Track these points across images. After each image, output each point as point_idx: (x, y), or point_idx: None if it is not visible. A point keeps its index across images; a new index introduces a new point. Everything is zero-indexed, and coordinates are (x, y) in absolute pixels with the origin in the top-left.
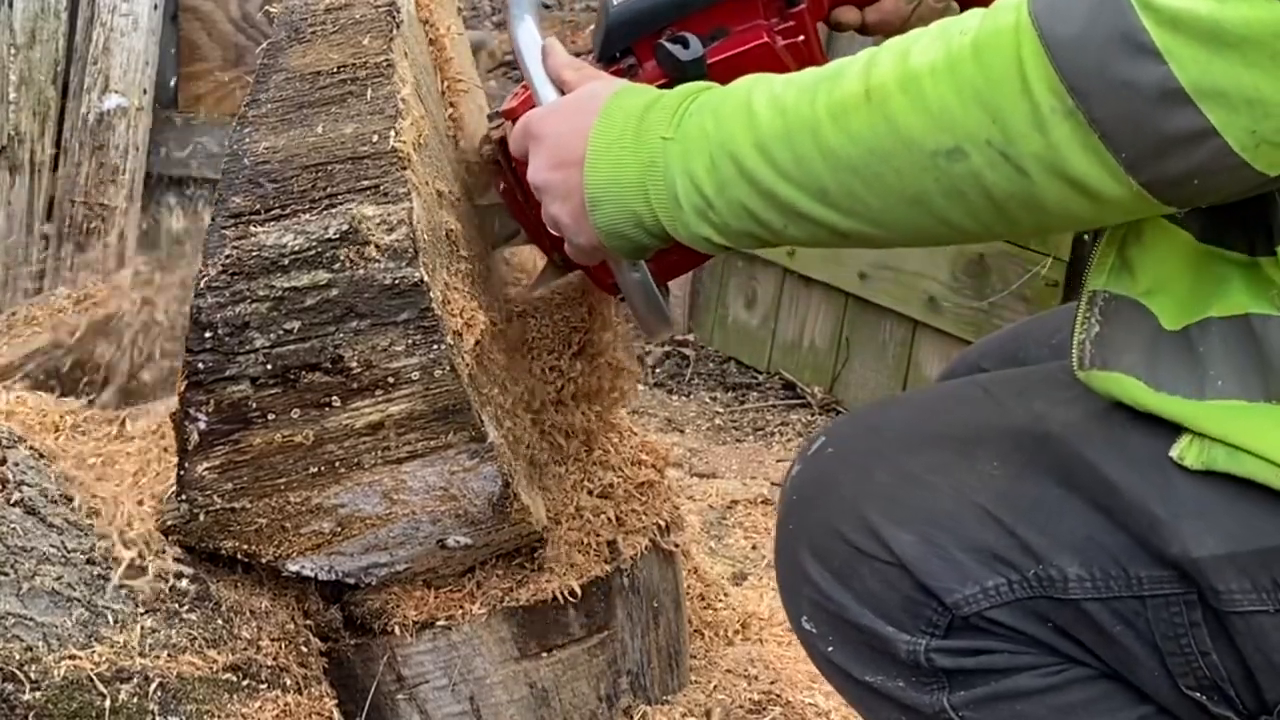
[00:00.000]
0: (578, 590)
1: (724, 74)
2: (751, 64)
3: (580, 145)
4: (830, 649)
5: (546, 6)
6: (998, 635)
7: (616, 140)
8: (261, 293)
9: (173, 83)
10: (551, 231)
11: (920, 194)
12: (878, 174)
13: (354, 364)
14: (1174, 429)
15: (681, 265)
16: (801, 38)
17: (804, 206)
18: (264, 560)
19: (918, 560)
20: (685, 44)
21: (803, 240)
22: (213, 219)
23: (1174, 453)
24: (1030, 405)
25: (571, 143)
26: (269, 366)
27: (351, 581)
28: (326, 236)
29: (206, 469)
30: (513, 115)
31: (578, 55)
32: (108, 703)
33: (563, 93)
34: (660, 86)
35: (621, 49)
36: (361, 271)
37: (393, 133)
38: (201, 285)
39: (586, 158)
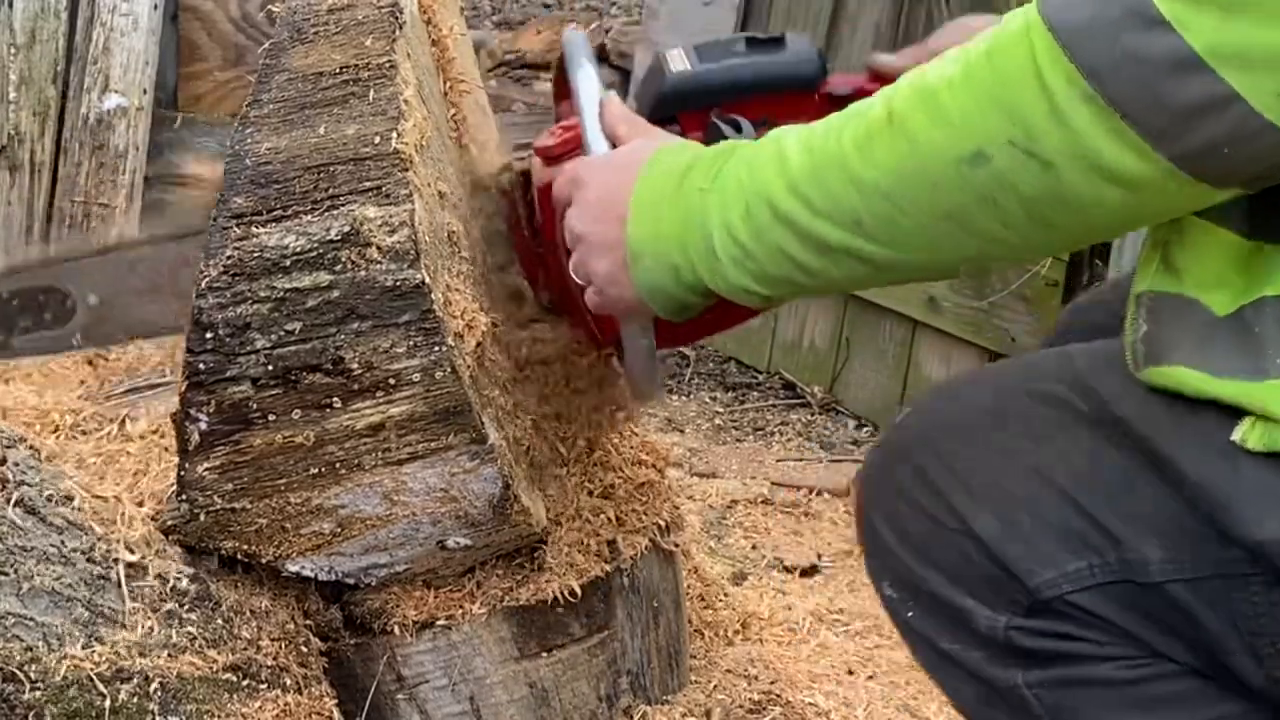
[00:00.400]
0: (578, 590)
1: None
2: None
3: (625, 200)
4: (911, 615)
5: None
6: (1079, 620)
7: (658, 196)
8: (263, 294)
9: (173, 83)
10: (576, 280)
11: (952, 209)
12: (909, 195)
13: (355, 365)
14: (1235, 413)
15: (694, 333)
16: None
17: (840, 241)
18: (264, 560)
19: (997, 540)
20: (738, 128)
21: (843, 280)
22: (214, 219)
23: (1236, 436)
24: (1102, 385)
25: (617, 197)
26: (270, 367)
27: (351, 582)
28: (328, 238)
29: (207, 469)
30: (548, 154)
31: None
32: (108, 703)
33: (614, 146)
34: None
35: (669, 116)
36: (363, 273)
37: (395, 134)
38: (203, 286)
39: (630, 213)
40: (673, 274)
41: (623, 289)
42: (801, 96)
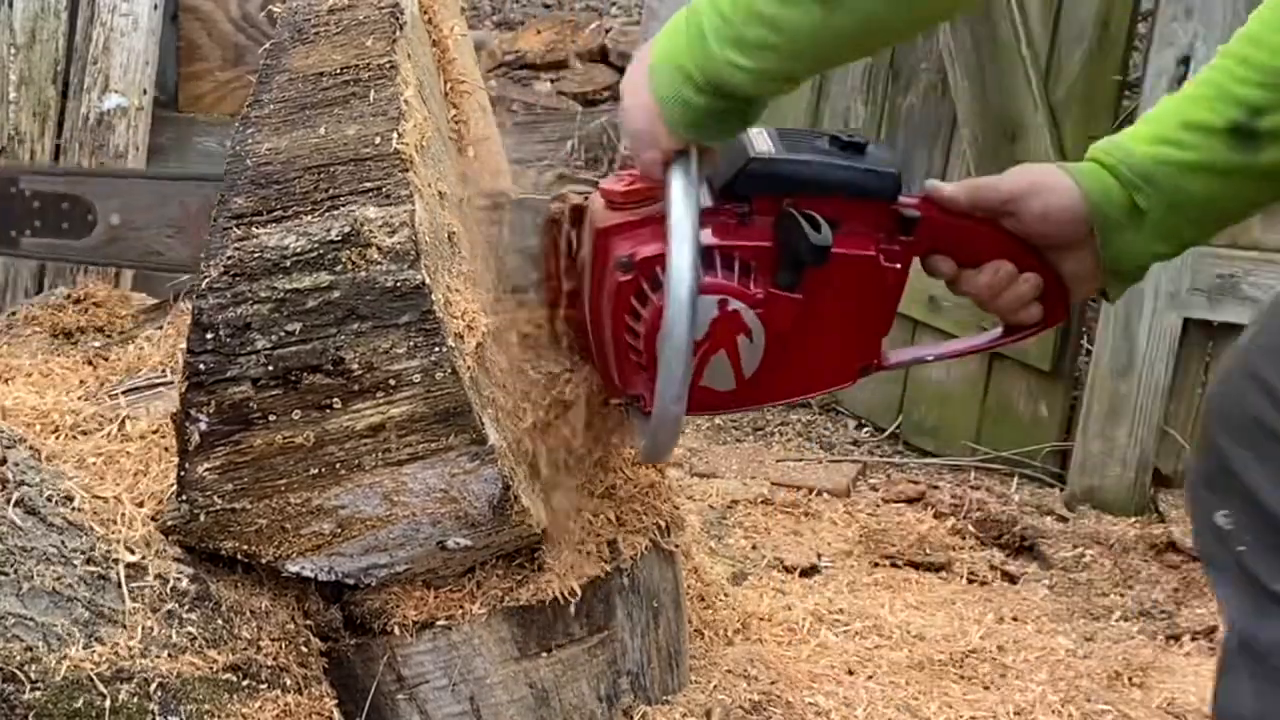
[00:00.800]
0: (578, 590)
1: (836, 269)
2: (856, 271)
3: (645, 80)
4: (1244, 549)
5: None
6: None
7: (667, 33)
8: (263, 294)
9: (173, 83)
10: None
11: None
12: None
13: (355, 366)
14: None
15: (697, 407)
16: (900, 266)
17: None
18: (264, 561)
19: None
20: (817, 226)
21: (805, 29)
22: (214, 220)
23: None
24: None
25: (640, 75)
26: (270, 368)
27: (351, 582)
28: (328, 238)
29: (207, 469)
30: (613, 199)
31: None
32: (108, 703)
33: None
34: (765, 248)
35: (745, 196)
36: (363, 273)
37: (395, 135)
38: (203, 286)
39: (650, 58)
40: (680, 74)
41: (654, 127)
42: (874, 205)
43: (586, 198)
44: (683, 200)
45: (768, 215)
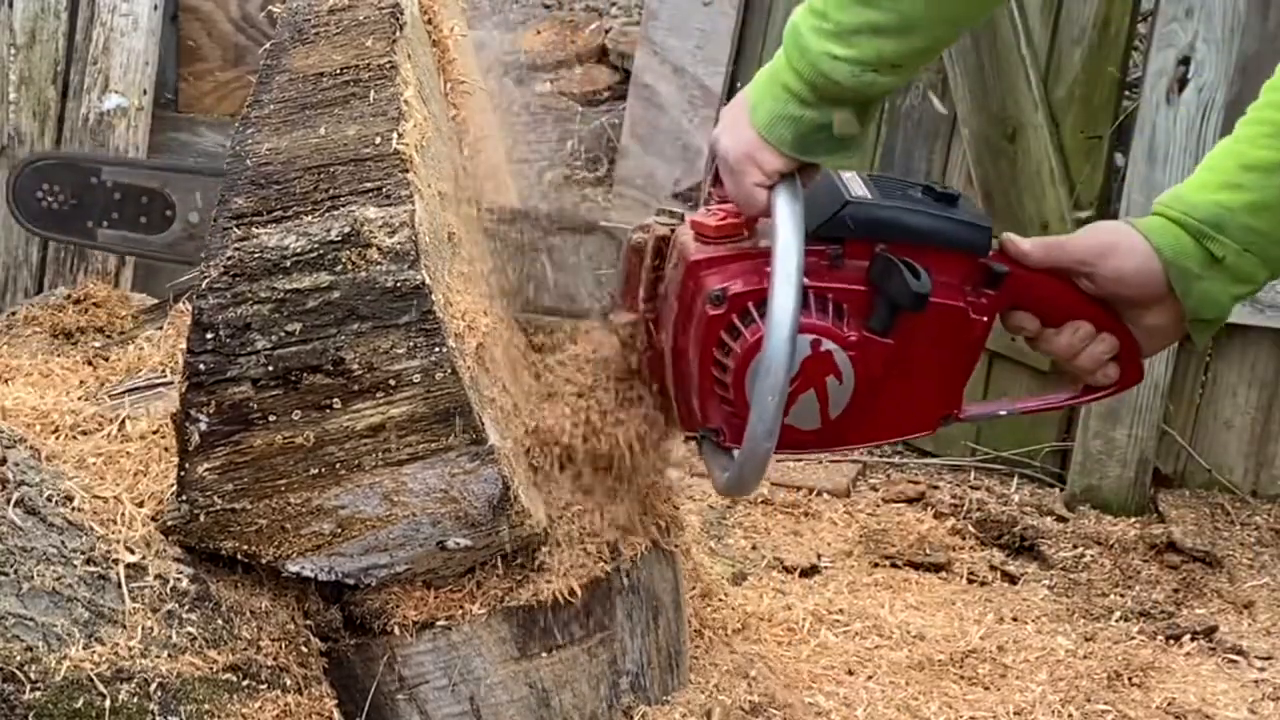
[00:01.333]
0: (578, 590)
1: (929, 318)
2: (947, 321)
3: (744, 114)
4: None
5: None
6: None
7: (768, 70)
8: (263, 294)
9: (173, 83)
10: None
11: None
12: None
13: (355, 366)
14: None
15: (783, 445)
16: (986, 319)
17: None
18: (264, 561)
19: None
20: (916, 273)
21: (908, 10)
22: (214, 220)
23: None
24: None
25: (741, 114)
26: (270, 368)
27: (351, 582)
28: (328, 238)
29: (207, 470)
30: (703, 232)
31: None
32: (108, 703)
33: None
34: (859, 291)
35: (838, 237)
36: (363, 274)
37: (395, 135)
38: (203, 286)
39: (750, 104)
40: (782, 90)
41: (757, 153)
42: (965, 258)
43: (673, 230)
44: (790, 231)
45: (860, 259)
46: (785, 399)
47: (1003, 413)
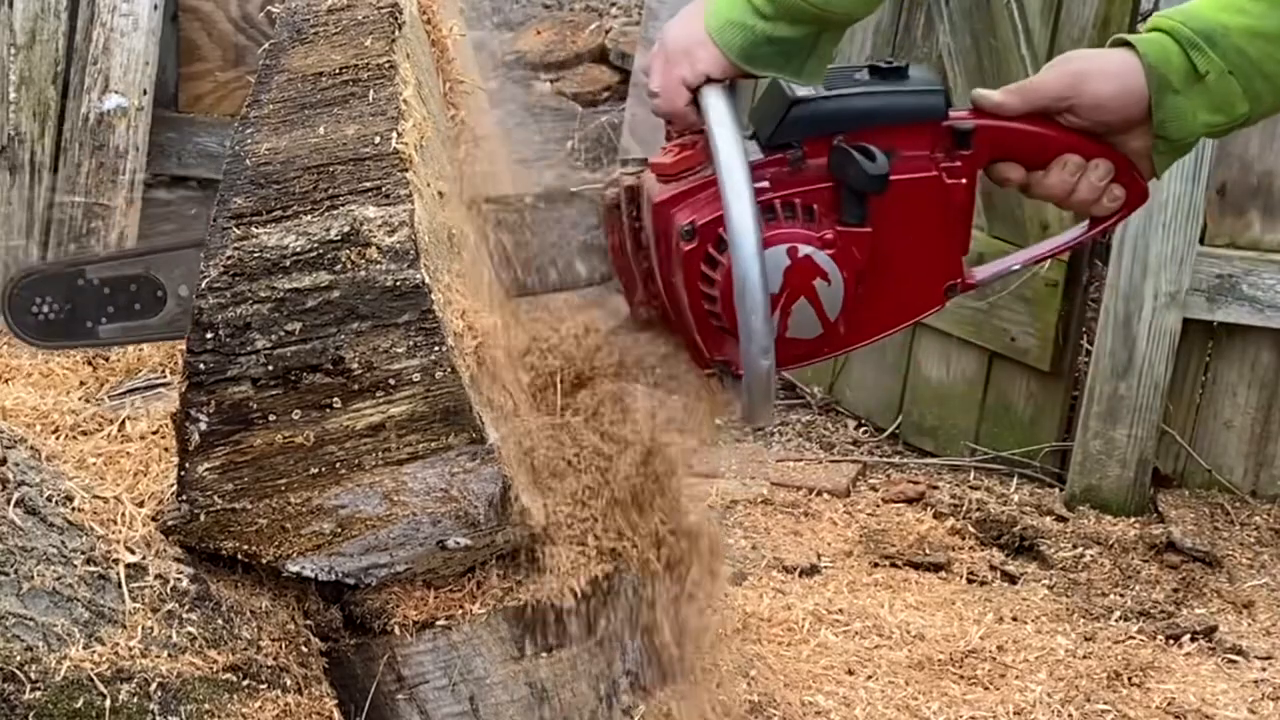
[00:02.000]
0: (578, 590)
1: (895, 196)
2: (921, 194)
3: (698, 11)
4: None
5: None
6: None
7: None
8: (263, 294)
9: (173, 83)
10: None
11: None
12: None
13: (355, 365)
14: None
15: (792, 358)
16: (964, 180)
17: None
18: (264, 561)
19: None
20: (872, 156)
21: None
22: (214, 220)
23: None
24: None
25: (695, 20)
26: (270, 367)
27: (351, 582)
28: (328, 238)
29: (207, 469)
30: (664, 171)
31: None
32: (108, 703)
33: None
34: (825, 189)
35: (793, 140)
36: (363, 273)
37: (395, 134)
38: (203, 286)
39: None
40: (740, 1)
41: (694, 50)
42: (926, 127)
43: (639, 176)
44: (728, 146)
45: (821, 157)
46: (770, 314)
47: (1016, 266)
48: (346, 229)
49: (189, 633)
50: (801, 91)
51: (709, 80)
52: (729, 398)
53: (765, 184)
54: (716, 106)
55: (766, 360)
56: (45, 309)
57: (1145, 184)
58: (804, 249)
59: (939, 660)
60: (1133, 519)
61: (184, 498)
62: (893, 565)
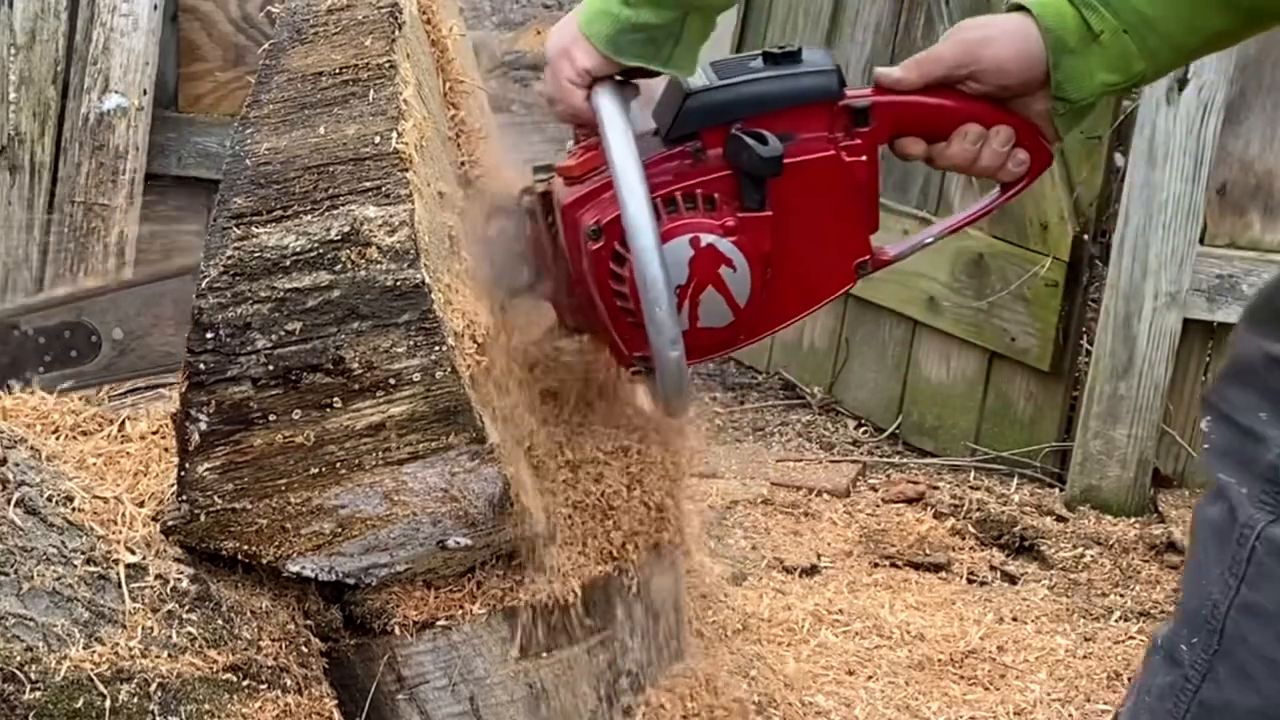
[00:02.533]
0: (578, 590)
1: (793, 179)
2: (820, 174)
3: (573, 15)
4: None
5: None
6: None
7: None
8: (263, 294)
9: (173, 83)
10: (562, 108)
11: None
12: None
13: (355, 365)
14: None
15: (707, 348)
16: (865, 158)
17: None
18: (264, 561)
19: None
20: (763, 140)
21: None
22: (214, 220)
23: None
24: None
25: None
26: (270, 367)
27: (352, 582)
28: (328, 238)
29: (207, 469)
30: (569, 174)
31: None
32: (108, 703)
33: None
34: (723, 177)
35: (691, 132)
36: (363, 273)
37: (395, 134)
38: (203, 286)
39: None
40: None
41: (573, 47)
42: (821, 108)
43: (549, 182)
44: (618, 143)
45: (718, 147)
46: (674, 306)
47: (929, 240)
48: (347, 229)
49: (189, 633)
50: (696, 84)
51: (595, 79)
52: (650, 392)
53: (668, 177)
54: (606, 107)
55: (675, 351)
56: None
57: (1049, 148)
58: (706, 238)
59: (939, 660)
60: (1133, 519)
61: (184, 498)
62: (893, 565)
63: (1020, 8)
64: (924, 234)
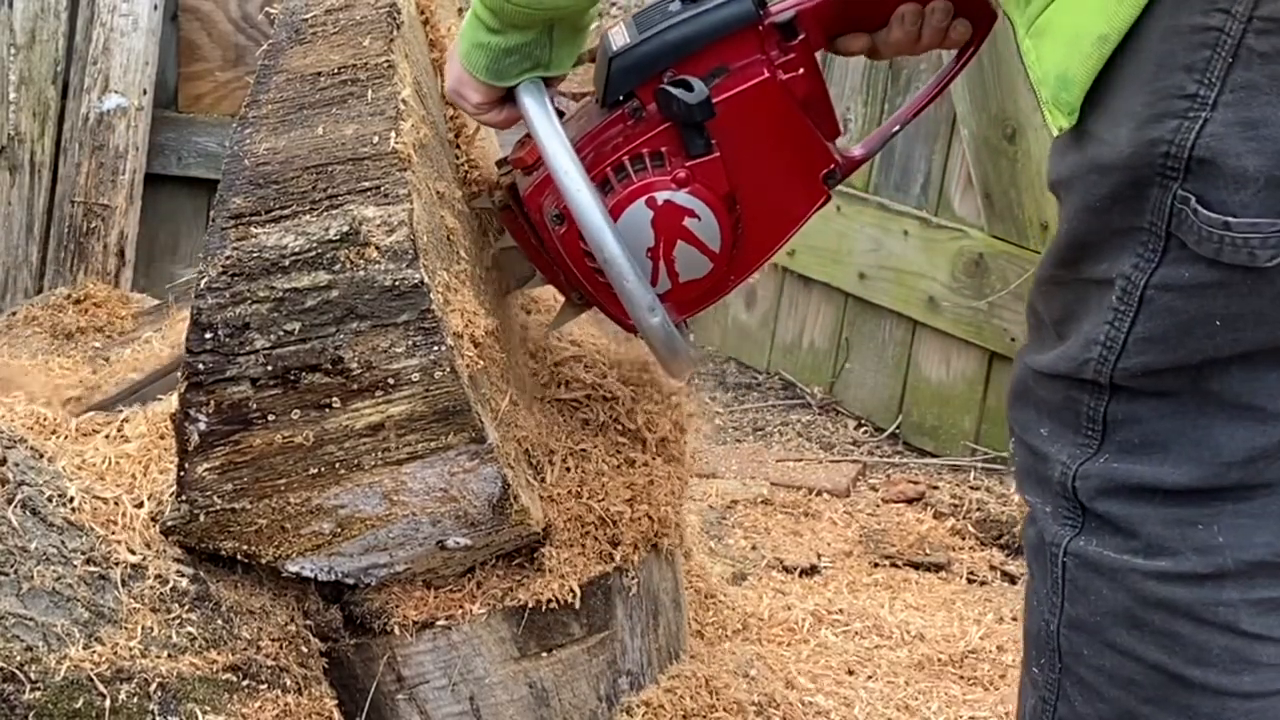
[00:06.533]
0: (578, 590)
1: (731, 113)
2: (757, 101)
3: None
4: None
5: None
6: None
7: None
8: (262, 294)
9: (173, 83)
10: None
11: None
12: None
13: (354, 365)
14: None
15: (698, 299)
16: (802, 70)
17: None
18: (264, 561)
19: None
20: (689, 87)
21: None
22: (213, 220)
23: None
24: None
25: (453, 52)
26: (269, 367)
27: (351, 582)
28: (327, 238)
29: (207, 469)
30: (523, 164)
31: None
32: (108, 703)
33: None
34: (664, 131)
35: (625, 93)
36: (362, 273)
37: (393, 134)
38: (202, 286)
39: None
40: (474, 20)
41: (461, 82)
42: (746, 33)
43: (512, 174)
44: (543, 132)
45: (653, 101)
46: (640, 274)
47: (896, 129)
48: (345, 229)
49: (189, 633)
50: (618, 44)
51: (497, 104)
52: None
53: (615, 143)
54: (527, 104)
55: (656, 317)
56: None
57: (990, 8)
58: (662, 195)
59: (939, 660)
60: None
61: (184, 498)
62: (893, 565)
63: None
64: (890, 123)
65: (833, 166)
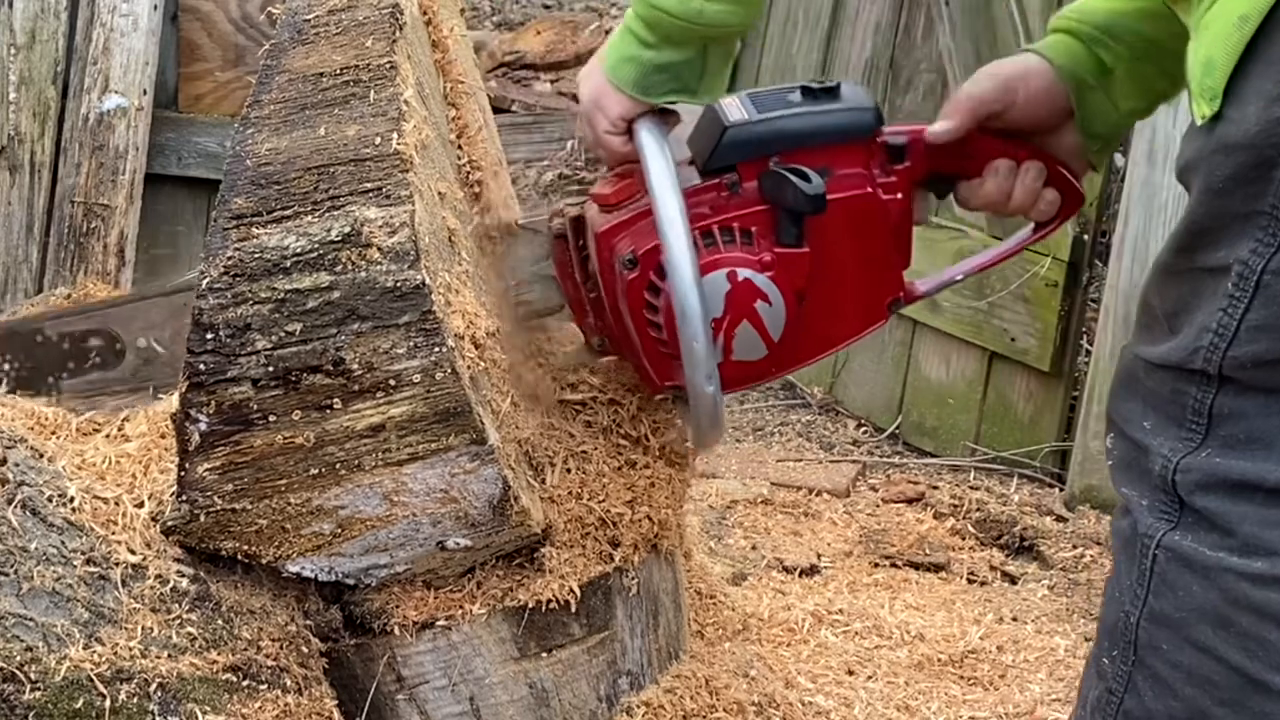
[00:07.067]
0: (577, 590)
1: (832, 214)
2: (857, 211)
3: (599, 63)
4: None
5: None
6: None
7: (621, 25)
8: (263, 294)
9: (173, 83)
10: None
11: None
12: None
13: (355, 366)
14: None
15: (739, 380)
16: (900, 195)
17: None
18: (264, 561)
19: None
20: (806, 178)
21: None
22: (214, 220)
23: None
24: None
25: (595, 66)
26: (270, 368)
27: (351, 582)
28: (329, 239)
29: (207, 470)
30: (604, 202)
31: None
32: (108, 703)
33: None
34: (760, 212)
35: (727, 165)
36: (363, 274)
37: (395, 135)
38: (203, 286)
39: (604, 52)
40: (626, 33)
41: (603, 97)
42: (860, 144)
43: (582, 207)
44: (659, 176)
45: (755, 180)
46: (711, 340)
47: (959, 276)
48: (347, 230)
49: (189, 633)
50: (734, 117)
51: (635, 121)
52: (681, 420)
53: (705, 209)
54: (647, 141)
55: (711, 385)
56: (9, 368)
57: (1080, 187)
58: (743, 272)
59: (939, 660)
60: None
61: (184, 498)
62: (893, 565)
63: (1034, 53)
64: (954, 270)
65: (900, 295)
